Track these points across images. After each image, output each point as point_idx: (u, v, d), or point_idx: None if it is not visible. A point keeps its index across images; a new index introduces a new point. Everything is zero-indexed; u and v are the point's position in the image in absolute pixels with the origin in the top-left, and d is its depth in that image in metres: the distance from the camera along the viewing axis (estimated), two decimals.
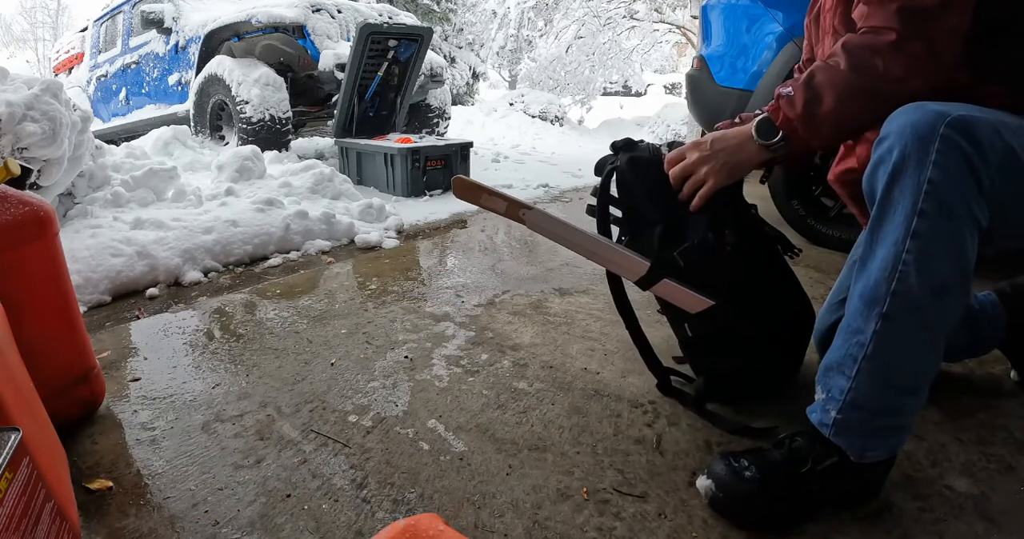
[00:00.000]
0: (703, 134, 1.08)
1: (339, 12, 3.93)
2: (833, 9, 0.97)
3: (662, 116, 7.16)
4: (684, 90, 3.05)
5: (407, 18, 4.30)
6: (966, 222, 0.70)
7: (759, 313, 1.02)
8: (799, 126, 0.84)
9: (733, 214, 0.99)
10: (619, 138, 1.09)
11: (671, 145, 1.04)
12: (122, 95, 4.96)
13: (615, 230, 1.10)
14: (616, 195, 1.07)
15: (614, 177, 1.06)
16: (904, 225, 0.71)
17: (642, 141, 1.08)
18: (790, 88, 0.84)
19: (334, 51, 3.69)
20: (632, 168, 1.03)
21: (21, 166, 1.55)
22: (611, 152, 1.08)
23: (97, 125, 5.02)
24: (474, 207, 1.07)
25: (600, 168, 1.08)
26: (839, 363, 0.80)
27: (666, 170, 0.97)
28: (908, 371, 0.77)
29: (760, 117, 0.88)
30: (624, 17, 9.93)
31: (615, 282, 1.13)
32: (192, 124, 4.09)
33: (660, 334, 1.39)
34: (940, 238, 0.71)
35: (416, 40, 3.64)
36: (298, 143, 4.18)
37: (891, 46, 0.77)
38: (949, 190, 0.69)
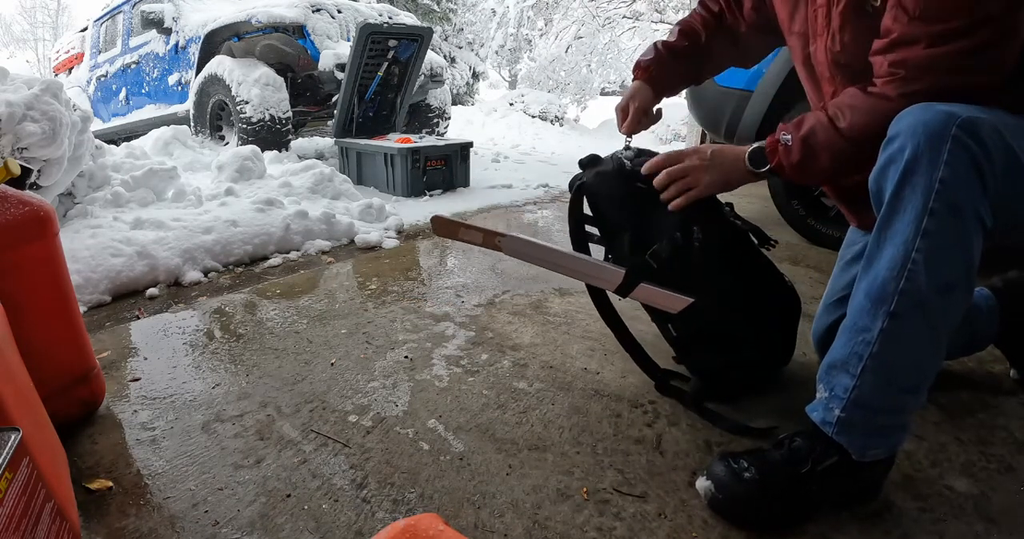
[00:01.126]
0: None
1: (339, 12, 3.94)
2: (840, 21, 0.89)
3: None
4: (684, 90, 3.04)
5: (407, 18, 4.30)
6: (973, 222, 0.71)
7: (740, 306, 1.04)
8: (791, 173, 0.87)
9: (701, 212, 0.99)
10: (584, 156, 1.12)
11: (640, 152, 1.06)
12: (122, 95, 4.96)
13: (599, 248, 1.12)
14: (588, 211, 1.11)
15: (584, 194, 1.09)
16: (914, 224, 0.71)
17: (614, 154, 1.09)
18: (790, 136, 0.85)
19: (334, 51, 3.69)
20: (598, 182, 1.07)
21: (21, 166, 1.55)
22: (580, 169, 1.11)
23: (97, 125, 5.02)
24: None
25: (572, 184, 1.11)
26: (843, 361, 0.80)
27: (658, 166, 0.98)
28: (912, 370, 0.77)
29: (754, 147, 0.90)
30: (624, 17, 9.94)
31: (596, 293, 1.14)
32: (192, 124, 4.10)
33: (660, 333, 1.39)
34: (949, 237, 0.71)
35: (416, 40, 3.64)
36: (298, 143, 4.19)
37: (889, 119, 0.76)
38: (958, 191, 0.69)
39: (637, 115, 1.13)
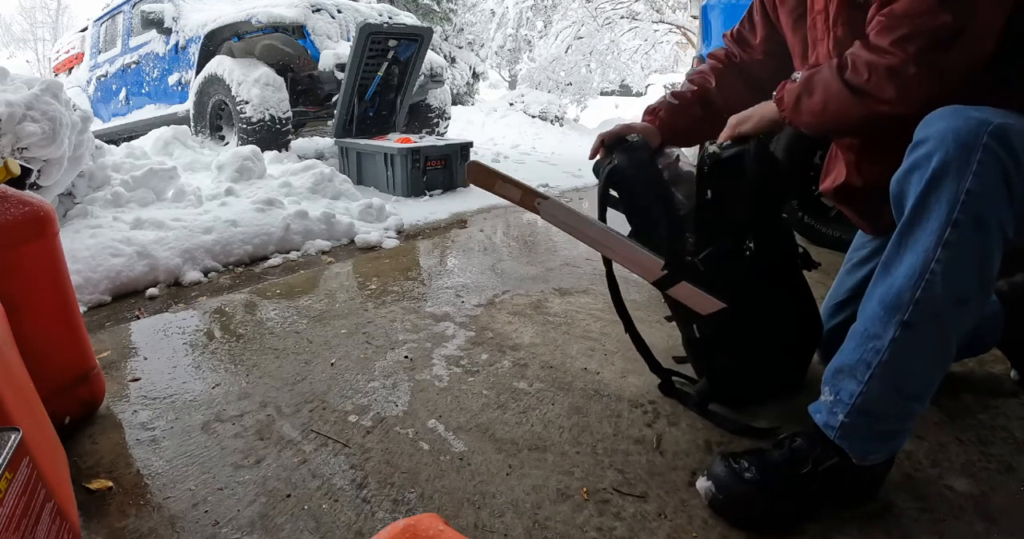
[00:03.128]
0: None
1: (339, 12, 3.93)
2: (833, 16, 0.91)
3: None
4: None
5: (407, 18, 4.29)
6: (996, 234, 0.70)
7: (770, 319, 1.01)
8: (787, 104, 0.87)
9: (758, 220, 0.96)
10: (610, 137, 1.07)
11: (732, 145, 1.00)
12: (122, 95, 4.96)
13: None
14: (616, 194, 1.07)
15: (614, 179, 1.05)
16: (936, 234, 0.70)
17: (633, 136, 1.05)
18: (799, 74, 0.86)
19: (334, 51, 3.68)
20: (630, 166, 1.02)
21: (21, 166, 1.55)
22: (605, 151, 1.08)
23: (97, 125, 5.02)
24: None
25: (597, 169, 1.08)
26: (851, 367, 0.79)
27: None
28: (920, 378, 0.77)
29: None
30: (623, 18, 9.94)
31: (613, 285, 1.13)
32: (192, 124, 4.09)
33: (660, 334, 1.39)
34: (970, 249, 0.70)
35: (416, 40, 3.64)
36: (298, 143, 4.18)
37: (888, 71, 0.75)
38: (985, 201, 0.68)
39: None
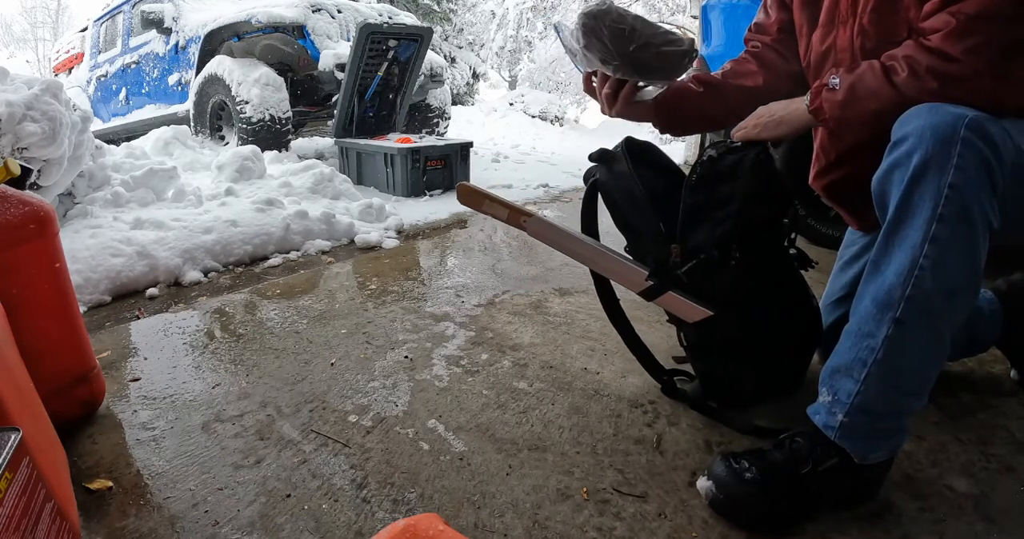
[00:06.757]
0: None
1: (339, 12, 3.94)
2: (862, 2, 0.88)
3: None
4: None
5: (407, 18, 4.29)
6: (981, 225, 0.70)
7: (756, 329, 0.99)
8: (831, 113, 0.82)
9: (743, 230, 0.94)
10: (594, 150, 1.06)
11: (731, 149, 0.96)
12: (122, 95, 4.96)
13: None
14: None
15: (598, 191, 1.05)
16: (923, 230, 0.70)
17: (617, 148, 1.03)
18: (838, 79, 0.81)
19: (334, 51, 3.69)
20: (611, 181, 1.03)
21: (21, 166, 1.55)
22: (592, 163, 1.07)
23: (97, 125, 5.02)
24: None
25: (587, 177, 1.08)
26: (847, 366, 0.79)
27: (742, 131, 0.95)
28: (916, 374, 0.77)
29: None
30: None
31: (605, 293, 1.13)
32: (192, 124, 4.09)
33: (660, 334, 1.39)
34: (957, 243, 0.70)
35: (416, 40, 3.64)
36: (298, 143, 4.18)
37: (959, 80, 0.72)
38: (968, 194, 0.68)
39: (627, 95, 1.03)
